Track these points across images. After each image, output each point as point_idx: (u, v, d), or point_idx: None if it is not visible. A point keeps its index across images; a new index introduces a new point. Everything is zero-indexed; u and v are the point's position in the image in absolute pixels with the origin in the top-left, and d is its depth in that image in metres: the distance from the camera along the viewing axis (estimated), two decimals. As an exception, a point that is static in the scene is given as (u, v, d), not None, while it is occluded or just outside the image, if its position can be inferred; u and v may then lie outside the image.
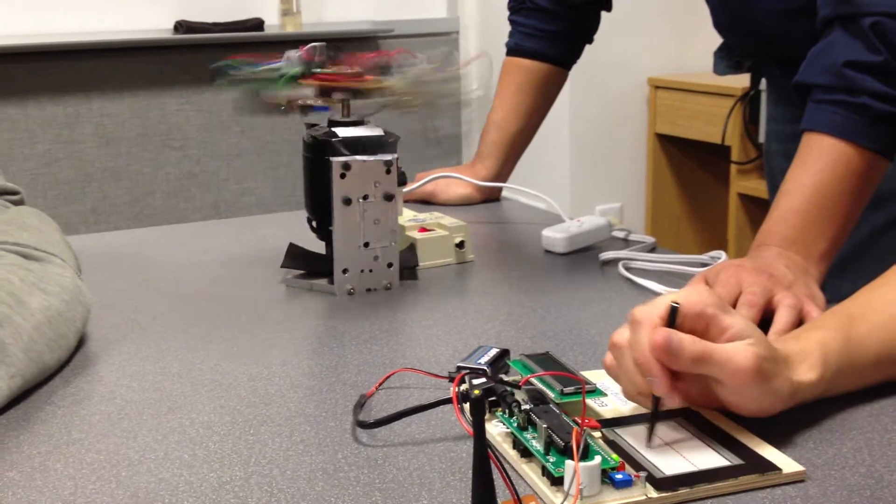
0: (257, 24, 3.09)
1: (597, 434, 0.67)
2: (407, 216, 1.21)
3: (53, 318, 0.82)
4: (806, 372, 0.70)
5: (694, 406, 0.72)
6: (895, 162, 1.01)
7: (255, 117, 1.00)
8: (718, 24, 1.30)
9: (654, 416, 0.67)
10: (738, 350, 0.66)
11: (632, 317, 0.68)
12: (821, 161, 0.98)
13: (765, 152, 1.47)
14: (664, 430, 0.69)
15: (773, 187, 1.40)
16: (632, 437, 0.68)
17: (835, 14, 1.00)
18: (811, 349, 0.72)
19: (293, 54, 1.01)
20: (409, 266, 1.10)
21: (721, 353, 0.65)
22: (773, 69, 1.33)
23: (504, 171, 1.49)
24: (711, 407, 0.71)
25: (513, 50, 1.49)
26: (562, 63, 1.49)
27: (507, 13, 1.51)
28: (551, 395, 0.69)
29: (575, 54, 1.51)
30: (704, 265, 1.09)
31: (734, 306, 0.89)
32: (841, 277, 1.11)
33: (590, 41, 1.51)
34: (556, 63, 1.48)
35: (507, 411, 0.69)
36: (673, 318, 0.66)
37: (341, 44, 3.14)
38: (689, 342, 0.65)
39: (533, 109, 1.49)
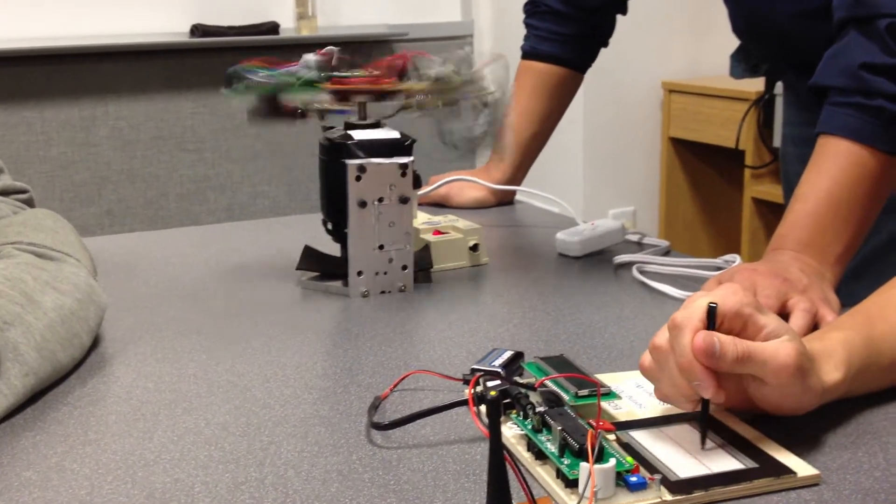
0: (273, 28, 3.10)
1: (611, 437, 0.67)
2: (421, 219, 1.21)
3: (66, 317, 0.83)
4: (830, 372, 0.70)
5: (731, 408, 0.72)
6: None
7: (267, 124, 0.99)
8: (736, 28, 1.30)
9: (704, 418, 0.67)
10: (778, 348, 0.66)
11: (672, 322, 0.68)
12: (836, 164, 0.98)
13: (781, 156, 1.46)
14: (679, 433, 0.69)
15: (789, 191, 1.39)
16: (646, 440, 0.68)
17: (850, 16, 0.99)
18: (834, 349, 0.72)
19: (310, 58, 1.02)
20: (423, 268, 1.10)
21: (763, 352, 0.66)
22: (790, 73, 1.32)
23: (518, 174, 1.49)
24: (748, 409, 0.71)
25: (527, 53, 1.49)
26: (576, 66, 1.49)
27: (521, 16, 1.51)
28: (566, 397, 0.69)
29: (590, 58, 1.50)
30: (719, 269, 1.09)
31: None
32: (857, 282, 1.10)
33: (605, 45, 1.51)
34: (570, 66, 1.48)
35: (521, 413, 0.69)
36: (712, 318, 0.67)
37: (357, 47, 3.15)
38: (730, 344, 0.65)
39: (547, 113, 1.49)
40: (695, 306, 0.67)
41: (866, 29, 0.98)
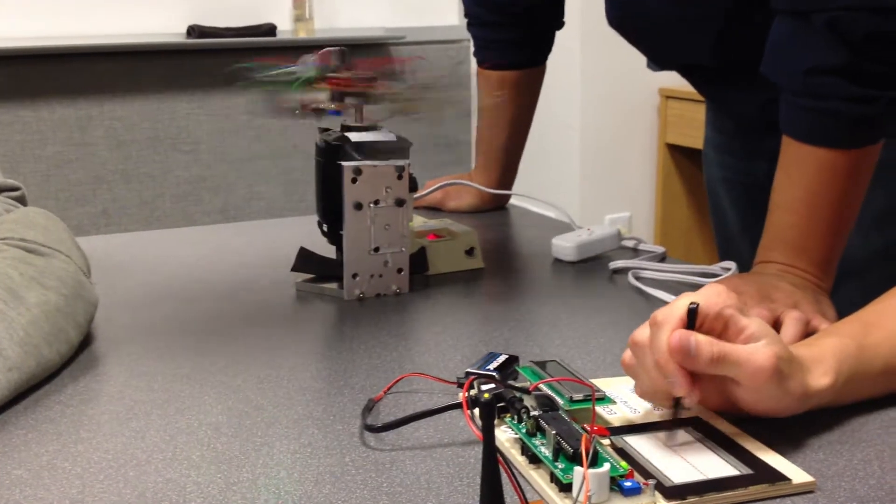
0: (270, 30, 3.09)
1: (606, 441, 0.67)
2: (417, 222, 1.21)
3: (50, 312, 0.83)
4: (819, 377, 0.70)
5: (710, 409, 0.72)
6: None
7: (269, 120, 0.99)
8: (610, 18, 1.24)
9: (675, 416, 0.68)
10: (755, 350, 0.66)
11: (652, 319, 0.68)
12: (805, 171, 0.96)
13: (703, 156, 1.47)
14: (674, 438, 0.68)
15: (714, 199, 1.40)
16: (641, 445, 0.68)
17: (789, 8, 0.96)
18: (825, 355, 0.71)
19: (309, 58, 1.02)
20: (418, 272, 1.10)
21: (739, 354, 0.66)
22: (690, 75, 1.32)
23: (505, 179, 1.47)
24: (727, 410, 0.71)
25: (479, 62, 1.47)
26: (527, 64, 1.45)
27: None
28: (560, 401, 0.69)
29: (540, 51, 1.46)
30: (715, 275, 1.09)
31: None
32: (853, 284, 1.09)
33: (559, 27, 1.46)
34: (520, 67, 1.44)
35: (515, 417, 0.68)
36: (692, 318, 0.67)
37: (353, 50, 3.14)
38: (706, 344, 0.65)
39: (514, 116, 1.46)
40: (677, 304, 0.68)
41: (804, 24, 0.94)
